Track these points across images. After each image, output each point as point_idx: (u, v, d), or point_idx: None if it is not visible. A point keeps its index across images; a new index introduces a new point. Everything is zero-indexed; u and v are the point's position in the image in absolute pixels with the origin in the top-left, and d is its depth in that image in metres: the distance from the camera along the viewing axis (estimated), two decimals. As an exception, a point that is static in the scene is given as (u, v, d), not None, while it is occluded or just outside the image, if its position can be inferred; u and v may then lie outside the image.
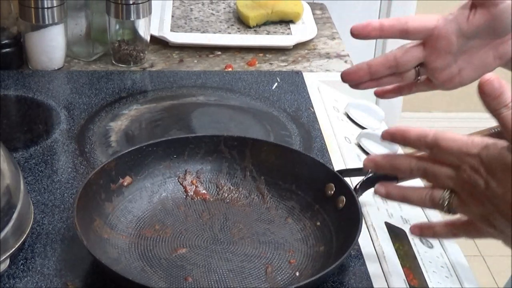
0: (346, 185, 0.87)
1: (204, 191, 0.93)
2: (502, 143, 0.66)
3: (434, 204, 0.72)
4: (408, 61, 0.85)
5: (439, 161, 0.71)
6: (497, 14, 0.81)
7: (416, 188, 0.74)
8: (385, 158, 0.75)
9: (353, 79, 0.87)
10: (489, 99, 0.66)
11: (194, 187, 0.93)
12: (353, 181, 0.93)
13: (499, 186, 0.66)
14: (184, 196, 0.92)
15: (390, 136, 0.74)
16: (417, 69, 0.87)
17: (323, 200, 0.88)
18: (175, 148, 0.93)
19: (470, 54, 0.84)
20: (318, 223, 0.87)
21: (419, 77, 0.87)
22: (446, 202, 0.71)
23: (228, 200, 0.92)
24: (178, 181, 0.93)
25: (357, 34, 0.84)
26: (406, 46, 0.85)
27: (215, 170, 0.94)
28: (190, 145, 0.94)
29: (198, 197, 0.92)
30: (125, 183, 0.89)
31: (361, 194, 0.89)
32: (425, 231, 0.78)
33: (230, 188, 0.93)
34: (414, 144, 0.72)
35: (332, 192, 0.88)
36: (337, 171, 0.91)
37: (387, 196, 0.76)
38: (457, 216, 0.73)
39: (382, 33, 0.84)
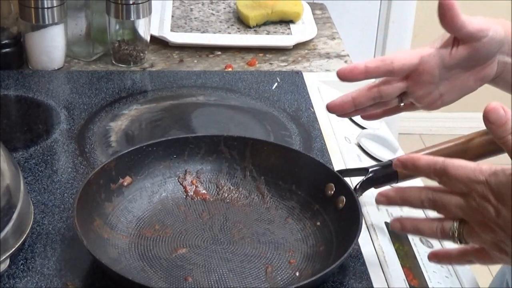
0: (346, 185, 0.87)
1: (204, 191, 0.93)
2: (511, 169, 0.67)
3: (444, 235, 0.73)
4: (391, 92, 0.88)
5: (448, 190, 0.72)
6: (480, 46, 0.83)
7: (428, 220, 0.75)
8: (396, 192, 0.76)
9: (339, 111, 0.89)
10: (495, 127, 0.67)
11: (194, 187, 0.93)
12: (353, 181, 0.93)
13: (510, 213, 0.67)
14: (184, 196, 0.92)
15: (401, 164, 0.75)
16: (400, 97, 0.89)
17: (323, 200, 0.88)
18: (175, 148, 0.93)
19: (452, 81, 0.86)
20: (318, 223, 0.87)
21: (402, 103, 0.90)
22: (456, 233, 0.72)
23: (228, 200, 0.92)
24: (178, 181, 0.93)
25: (343, 78, 0.87)
26: (389, 79, 0.87)
27: (215, 170, 0.94)
28: (190, 145, 0.94)
29: (198, 197, 0.92)
30: (125, 183, 0.89)
31: (361, 194, 0.89)
32: (442, 259, 0.79)
33: (230, 188, 0.93)
34: (424, 172, 0.73)
35: (332, 192, 0.87)
36: (337, 171, 0.91)
37: (402, 230, 0.77)
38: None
39: (368, 75, 0.86)
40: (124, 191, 0.89)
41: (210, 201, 0.92)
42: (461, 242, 0.73)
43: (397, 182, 0.90)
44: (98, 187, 0.86)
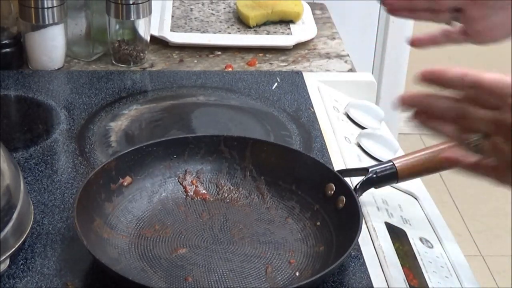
0: (346, 185, 0.87)
1: (204, 191, 0.93)
2: None
3: (461, 140, 0.70)
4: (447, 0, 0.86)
5: (477, 102, 0.69)
6: None
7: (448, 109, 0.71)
8: (422, 97, 0.72)
9: (393, 2, 0.88)
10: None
11: (194, 187, 0.93)
12: (353, 181, 0.93)
13: None
14: (184, 196, 0.92)
15: (426, 77, 0.71)
16: (454, 15, 0.87)
17: (323, 200, 0.88)
18: (175, 148, 0.93)
19: (508, 12, 0.84)
20: (318, 223, 0.87)
21: (453, 22, 0.88)
22: (476, 144, 0.69)
23: (228, 200, 0.92)
24: (178, 181, 0.93)
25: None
26: None
27: (215, 170, 0.94)
28: (190, 145, 0.94)
29: (198, 197, 0.92)
30: (125, 183, 0.89)
31: (361, 194, 0.89)
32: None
33: (230, 188, 0.93)
34: (454, 84, 0.70)
35: (332, 192, 0.87)
36: (337, 171, 0.91)
37: (411, 104, 0.73)
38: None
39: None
40: (124, 191, 0.89)
41: (210, 201, 0.92)
42: (477, 152, 0.70)
43: (397, 182, 0.90)
44: (98, 187, 0.86)
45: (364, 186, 0.89)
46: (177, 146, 0.93)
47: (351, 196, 0.85)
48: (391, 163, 0.88)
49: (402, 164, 0.88)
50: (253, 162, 0.93)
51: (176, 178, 0.93)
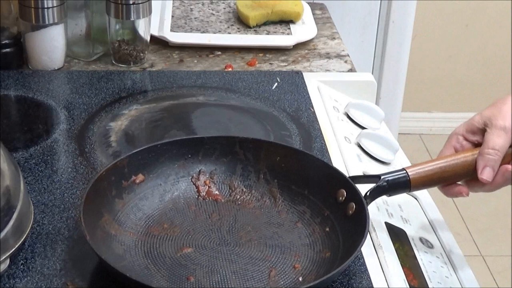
0: (357, 192, 0.85)
1: (216, 192, 0.92)
2: None
3: None
4: None
5: None
6: None
7: None
8: None
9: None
10: None
11: (207, 187, 0.92)
12: (365, 188, 0.91)
13: None
14: (196, 196, 0.91)
15: None
16: None
17: (334, 206, 0.87)
18: (189, 148, 0.93)
19: None
20: (327, 229, 0.86)
21: None
22: None
23: (239, 202, 0.91)
24: (192, 181, 0.92)
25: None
26: None
27: (229, 171, 0.93)
28: (205, 145, 0.93)
29: (210, 198, 0.91)
30: (137, 181, 0.89)
31: (370, 202, 0.86)
32: None
33: (242, 190, 0.92)
34: None
35: (343, 199, 0.86)
36: (349, 177, 0.89)
37: None
38: None
39: None
40: (136, 189, 0.88)
41: (221, 202, 0.91)
42: None
43: (409, 191, 0.88)
44: (109, 183, 0.85)
45: (375, 193, 0.86)
46: (192, 146, 0.93)
47: (361, 204, 0.83)
48: (404, 172, 0.86)
49: (416, 173, 0.85)
50: (267, 165, 0.93)
51: (190, 178, 0.92)
